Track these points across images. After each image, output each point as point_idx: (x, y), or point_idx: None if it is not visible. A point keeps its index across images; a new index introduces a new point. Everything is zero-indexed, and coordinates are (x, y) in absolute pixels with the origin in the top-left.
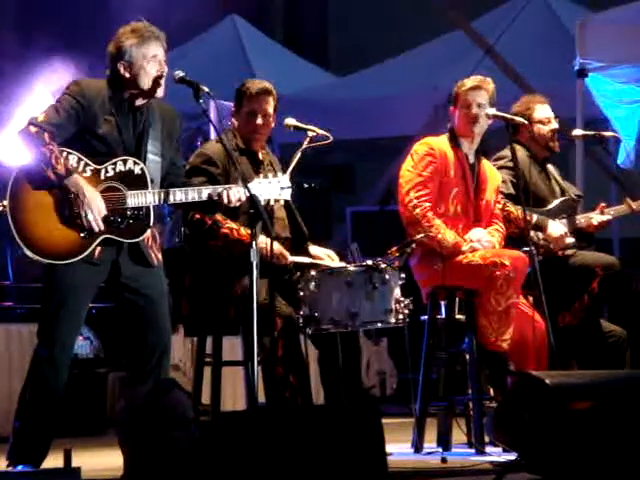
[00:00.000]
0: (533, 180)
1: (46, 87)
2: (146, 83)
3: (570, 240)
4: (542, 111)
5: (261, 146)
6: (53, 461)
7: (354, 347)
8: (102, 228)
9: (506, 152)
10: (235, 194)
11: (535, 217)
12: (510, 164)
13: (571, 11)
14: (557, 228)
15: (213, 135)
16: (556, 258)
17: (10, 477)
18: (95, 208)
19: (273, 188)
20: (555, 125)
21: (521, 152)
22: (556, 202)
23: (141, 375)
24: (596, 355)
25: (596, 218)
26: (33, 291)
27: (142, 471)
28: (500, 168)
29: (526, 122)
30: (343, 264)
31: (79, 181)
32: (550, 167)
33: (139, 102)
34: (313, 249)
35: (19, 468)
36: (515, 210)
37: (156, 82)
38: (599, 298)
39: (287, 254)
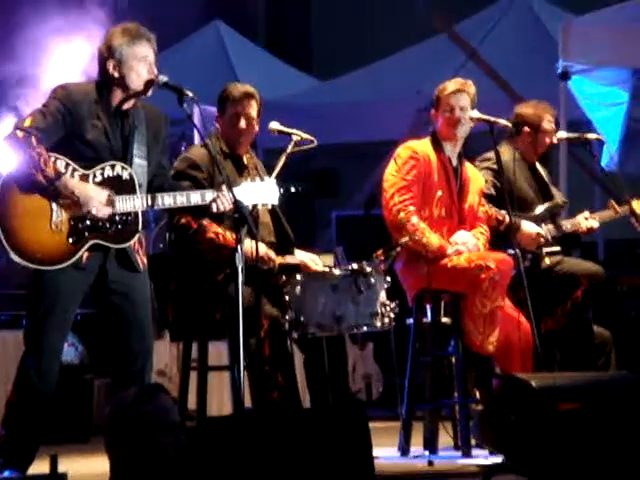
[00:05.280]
0: (518, 183)
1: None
2: (135, 82)
3: (556, 248)
4: (551, 123)
5: (245, 150)
6: (39, 467)
7: (340, 351)
8: (110, 212)
9: (492, 154)
10: (224, 203)
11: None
12: (495, 166)
13: (553, 14)
14: (530, 227)
15: (197, 140)
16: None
17: None
18: (94, 200)
19: (261, 192)
20: (556, 139)
21: (508, 154)
22: (542, 207)
23: (125, 380)
24: (580, 357)
25: (584, 223)
26: (17, 298)
27: (128, 477)
28: (484, 169)
29: (509, 125)
30: (326, 269)
31: (69, 182)
32: (540, 169)
33: (126, 105)
34: (298, 254)
35: (5, 474)
36: (489, 209)
37: (147, 85)
38: (582, 305)
39: (273, 255)
